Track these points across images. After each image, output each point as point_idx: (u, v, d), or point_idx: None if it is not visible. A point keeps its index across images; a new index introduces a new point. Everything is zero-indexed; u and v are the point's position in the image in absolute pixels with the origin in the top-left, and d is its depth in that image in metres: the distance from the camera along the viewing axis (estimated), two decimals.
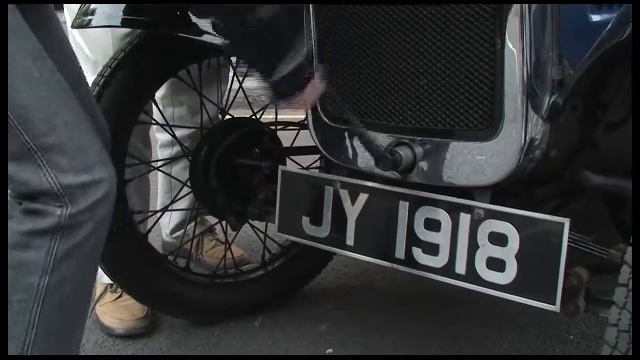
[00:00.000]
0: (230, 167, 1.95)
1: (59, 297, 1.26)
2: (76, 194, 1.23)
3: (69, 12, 2.08)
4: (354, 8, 1.51)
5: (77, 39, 2.06)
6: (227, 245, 2.16)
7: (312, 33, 1.60)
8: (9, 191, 1.27)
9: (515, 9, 1.29)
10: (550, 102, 1.34)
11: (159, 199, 2.44)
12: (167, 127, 2.14)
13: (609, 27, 1.26)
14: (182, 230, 2.37)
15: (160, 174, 2.38)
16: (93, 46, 2.03)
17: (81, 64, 2.07)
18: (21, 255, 1.24)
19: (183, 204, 2.25)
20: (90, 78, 1.95)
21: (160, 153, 2.40)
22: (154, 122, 2.10)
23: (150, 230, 2.02)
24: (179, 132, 2.18)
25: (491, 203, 1.45)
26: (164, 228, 2.48)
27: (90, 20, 1.75)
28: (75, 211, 1.23)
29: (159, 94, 2.20)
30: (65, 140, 1.23)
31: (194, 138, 2.20)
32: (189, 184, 1.98)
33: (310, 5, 1.58)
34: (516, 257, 1.38)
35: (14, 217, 1.25)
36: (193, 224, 2.28)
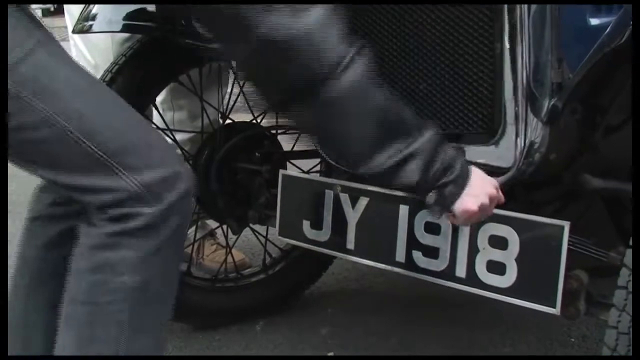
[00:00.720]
0: (231, 171, 1.95)
1: (148, 295, 1.22)
2: (160, 191, 1.18)
3: (70, 17, 2.09)
4: (355, 10, 1.51)
5: (77, 43, 2.07)
6: (228, 249, 2.16)
7: None
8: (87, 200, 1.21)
9: (513, 11, 1.30)
10: (550, 105, 1.34)
11: None
12: (167, 131, 2.14)
13: (608, 30, 1.27)
14: None
15: None
16: (93, 50, 2.04)
17: None
18: (108, 256, 1.19)
19: None
20: None
21: None
22: (154, 126, 2.10)
23: None
24: (179, 136, 2.19)
25: None
26: None
27: (91, 26, 1.76)
28: (164, 207, 1.18)
29: (158, 98, 2.20)
30: (134, 140, 1.19)
31: (194, 142, 2.20)
32: None
33: None
34: (516, 260, 1.38)
35: (96, 224, 1.20)
36: (193, 228, 2.28)
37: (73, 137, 1.15)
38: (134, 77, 1.83)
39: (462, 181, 1.25)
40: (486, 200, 1.28)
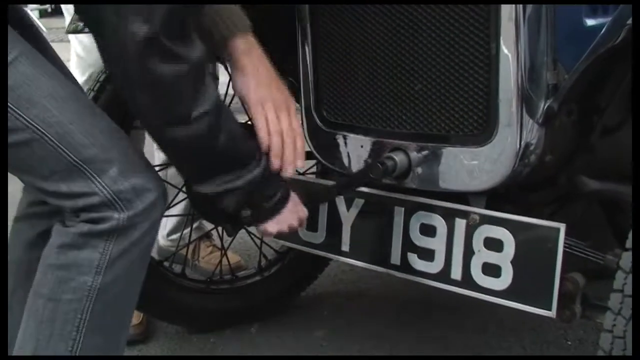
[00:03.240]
0: None
1: (109, 296, 1.26)
2: (130, 198, 1.24)
3: (69, 17, 2.07)
4: (350, 12, 1.50)
5: (73, 44, 2.07)
6: (223, 251, 2.15)
7: (307, 37, 1.59)
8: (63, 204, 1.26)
9: (509, 13, 1.29)
10: (545, 107, 1.33)
11: None
12: None
13: (603, 30, 1.26)
14: (179, 233, 2.35)
15: None
16: (88, 51, 2.04)
17: (74, 67, 2.09)
18: (74, 255, 1.24)
19: (180, 207, 2.24)
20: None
21: (157, 155, 2.39)
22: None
23: None
24: None
25: (486, 208, 1.45)
26: (160, 230, 2.46)
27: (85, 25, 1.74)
28: (132, 214, 1.24)
29: None
30: (108, 148, 1.24)
31: None
32: (184, 189, 1.98)
33: (307, 9, 1.58)
34: (512, 262, 1.38)
35: (68, 224, 1.26)
36: (188, 229, 2.26)
37: (51, 143, 1.21)
38: None
39: (277, 208, 1.38)
40: (285, 228, 1.41)
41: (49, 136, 1.20)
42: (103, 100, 1.79)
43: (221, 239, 2.16)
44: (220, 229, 2.07)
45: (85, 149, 1.22)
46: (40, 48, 1.32)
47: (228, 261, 2.14)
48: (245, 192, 1.31)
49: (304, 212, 1.45)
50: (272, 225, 1.40)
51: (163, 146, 1.27)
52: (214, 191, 1.30)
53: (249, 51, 1.38)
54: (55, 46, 1.61)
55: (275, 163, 1.37)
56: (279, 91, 1.41)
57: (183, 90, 1.17)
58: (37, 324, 1.26)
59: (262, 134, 1.37)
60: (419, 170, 1.47)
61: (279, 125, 1.39)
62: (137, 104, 1.20)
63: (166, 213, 2.13)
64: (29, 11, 8.86)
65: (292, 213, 1.41)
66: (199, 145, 1.24)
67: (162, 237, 2.47)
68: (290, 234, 1.70)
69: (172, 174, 2.26)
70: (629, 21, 1.18)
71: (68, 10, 2.12)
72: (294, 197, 1.42)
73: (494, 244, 1.40)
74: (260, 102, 1.38)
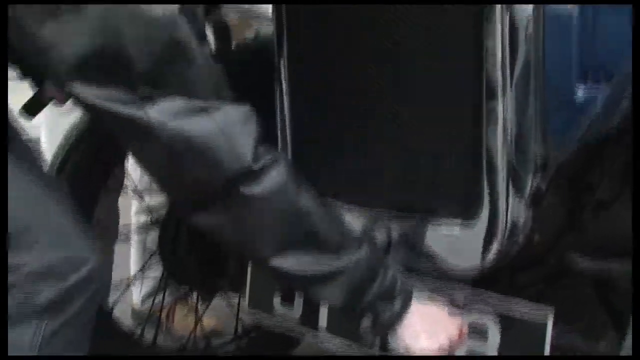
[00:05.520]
0: (201, 236, 1.86)
1: None
2: (63, 271, 1.18)
3: None
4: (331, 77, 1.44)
5: None
6: (197, 318, 2.05)
7: (285, 103, 1.53)
8: None
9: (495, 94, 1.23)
10: (533, 184, 1.27)
11: (131, 269, 2.35)
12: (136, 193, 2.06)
13: (596, 111, 1.20)
14: (152, 299, 2.26)
15: (132, 243, 2.30)
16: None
17: None
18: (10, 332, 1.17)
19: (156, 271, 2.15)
20: None
21: (135, 220, 2.32)
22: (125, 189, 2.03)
23: (114, 306, 1.91)
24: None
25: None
26: (135, 294, 2.38)
27: None
28: (65, 287, 1.18)
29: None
30: (43, 219, 1.19)
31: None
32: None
33: (283, 72, 1.51)
34: (498, 350, 1.30)
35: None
36: (163, 292, 2.17)
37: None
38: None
39: (402, 309, 1.17)
40: (446, 342, 1.19)
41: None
42: (74, 160, 1.72)
43: (196, 303, 2.07)
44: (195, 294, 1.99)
45: (19, 219, 1.16)
46: None
47: (202, 328, 2.04)
48: (351, 279, 1.12)
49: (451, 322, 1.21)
50: (427, 341, 1.17)
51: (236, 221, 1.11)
52: (303, 273, 1.12)
53: None
54: None
55: None
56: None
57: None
58: None
59: None
60: (400, 246, 1.40)
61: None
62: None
63: (136, 279, 2.09)
64: None
65: (441, 323, 1.20)
66: (277, 204, 1.09)
67: (137, 300, 2.38)
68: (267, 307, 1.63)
69: (152, 238, 2.18)
70: (622, 105, 1.13)
71: None
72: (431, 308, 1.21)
73: (477, 330, 1.32)
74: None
